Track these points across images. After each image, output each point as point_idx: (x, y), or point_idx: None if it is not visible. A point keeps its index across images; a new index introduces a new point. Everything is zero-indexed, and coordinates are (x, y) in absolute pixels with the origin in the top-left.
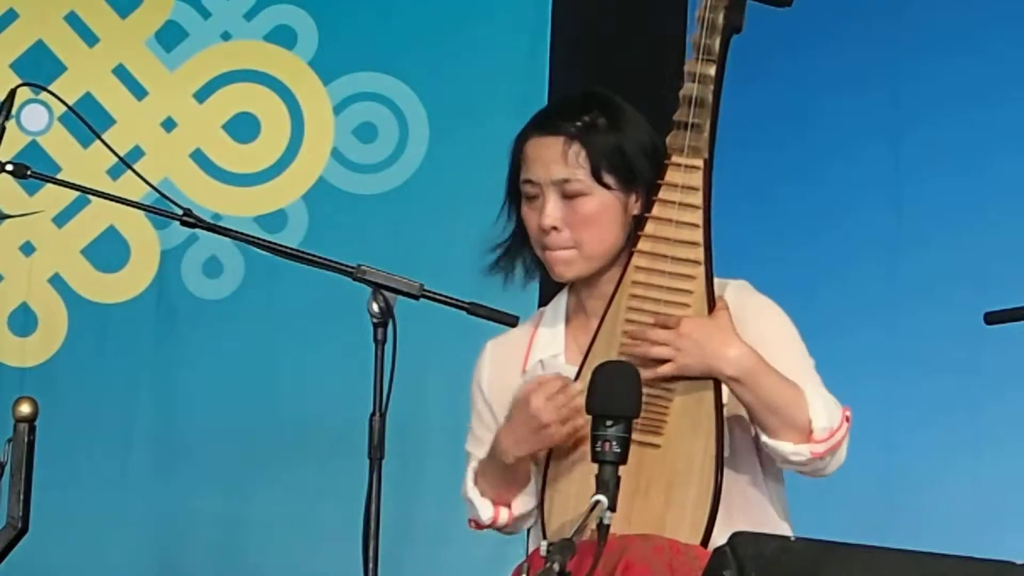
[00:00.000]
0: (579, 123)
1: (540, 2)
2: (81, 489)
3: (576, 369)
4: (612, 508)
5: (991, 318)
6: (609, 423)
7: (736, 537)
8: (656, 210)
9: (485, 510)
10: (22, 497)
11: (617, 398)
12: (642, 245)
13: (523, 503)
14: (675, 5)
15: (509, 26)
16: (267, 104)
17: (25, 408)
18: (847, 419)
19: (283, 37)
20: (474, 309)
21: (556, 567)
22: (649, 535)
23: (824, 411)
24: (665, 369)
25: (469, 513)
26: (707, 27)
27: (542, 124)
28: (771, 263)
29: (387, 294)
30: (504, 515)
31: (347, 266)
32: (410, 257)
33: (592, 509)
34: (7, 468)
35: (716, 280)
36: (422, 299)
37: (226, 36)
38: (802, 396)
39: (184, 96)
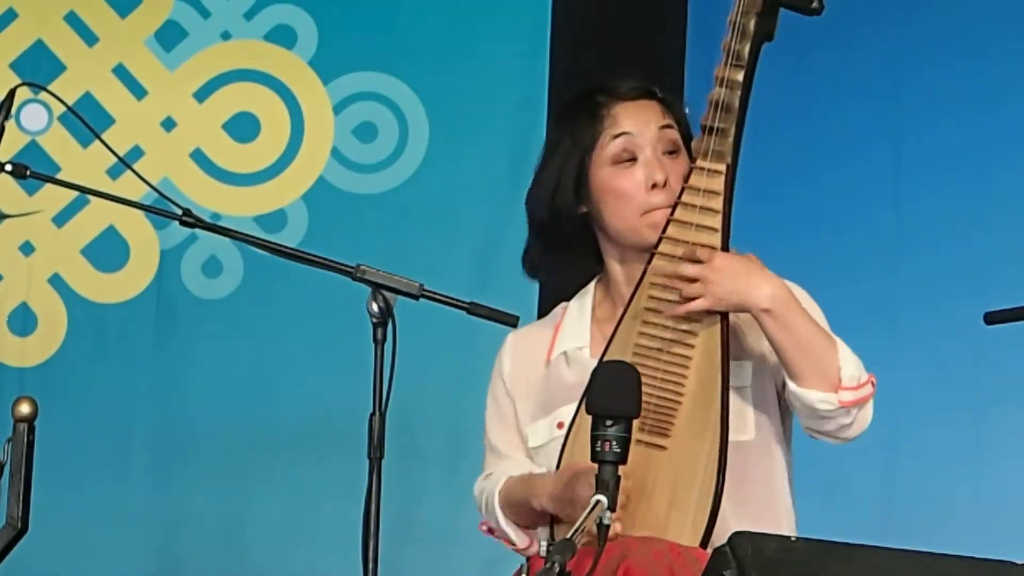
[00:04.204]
0: (656, 92)
1: (540, 2)
2: (81, 489)
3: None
4: (612, 508)
5: (991, 318)
6: (609, 423)
7: (736, 537)
8: (677, 213)
9: (521, 540)
10: (22, 497)
11: (617, 398)
12: (663, 247)
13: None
14: (675, 5)
15: (509, 26)
16: (267, 104)
17: (25, 408)
18: (872, 384)
19: (283, 37)
20: (474, 309)
21: (556, 567)
22: (649, 538)
23: (853, 362)
24: (697, 304)
25: (486, 517)
26: (738, 32)
27: (629, 92)
28: (772, 264)
29: (387, 294)
30: (536, 545)
31: (347, 266)
32: (410, 257)
33: (592, 509)
34: (7, 468)
35: None
36: (422, 299)
37: (226, 36)
38: (833, 343)
39: (184, 96)
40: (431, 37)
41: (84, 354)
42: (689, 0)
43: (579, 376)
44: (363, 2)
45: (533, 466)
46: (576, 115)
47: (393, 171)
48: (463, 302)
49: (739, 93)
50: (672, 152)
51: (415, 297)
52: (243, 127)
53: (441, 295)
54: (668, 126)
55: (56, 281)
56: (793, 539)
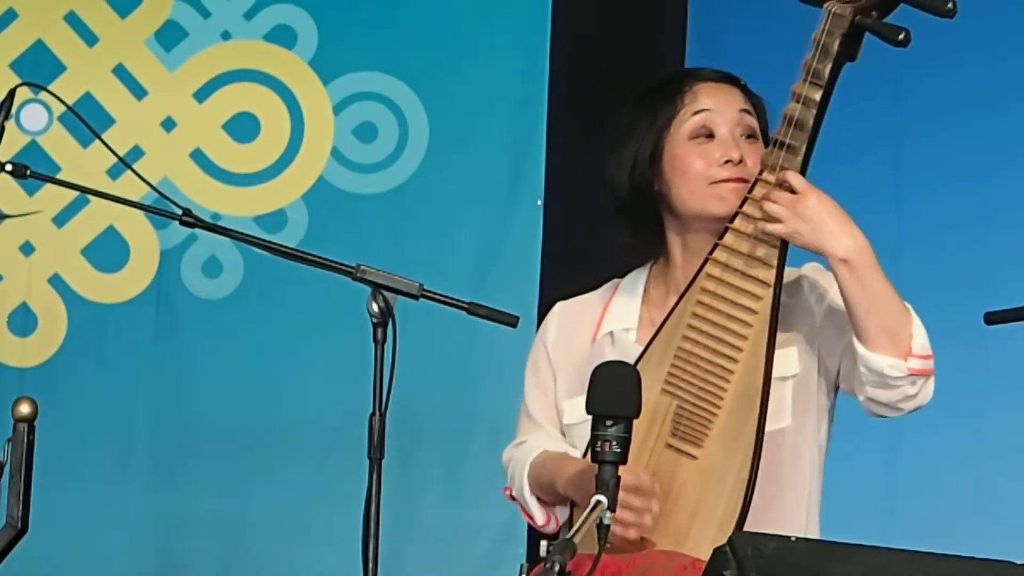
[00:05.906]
0: (739, 80)
1: (540, 2)
2: (81, 489)
3: (641, 349)
4: (612, 508)
5: (991, 318)
6: (609, 423)
7: (736, 537)
8: (737, 223)
9: (540, 516)
10: (22, 497)
11: (617, 398)
12: (718, 255)
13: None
14: (676, 6)
15: (509, 26)
16: (267, 104)
17: (25, 408)
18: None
19: (283, 37)
20: (474, 309)
21: (556, 567)
22: (672, 553)
23: (924, 333)
24: (774, 228)
25: (511, 485)
26: (820, 51)
27: (711, 75)
28: None
29: (387, 294)
30: (553, 523)
31: (347, 266)
32: (410, 257)
33: (592, 509)
34: (7, 468)
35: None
36: (422, 299)
37: (226, 36)
38: (908, 311)
39: (184, 96)
40: (431, 37)
41: (84, 354)
42: (689, 0)
43: (621, 358)
44: (363, 2)
45: (564, 440)
46: (657, 95)
47: (393, 171)
48: (463, 302)
49: (814, 112)
50: (750, 136)
51: (415, 297)
52: (243, 127)
53: (441, 295)
54: (747, 111)
55: (56, 281)
56: (793, 539)
